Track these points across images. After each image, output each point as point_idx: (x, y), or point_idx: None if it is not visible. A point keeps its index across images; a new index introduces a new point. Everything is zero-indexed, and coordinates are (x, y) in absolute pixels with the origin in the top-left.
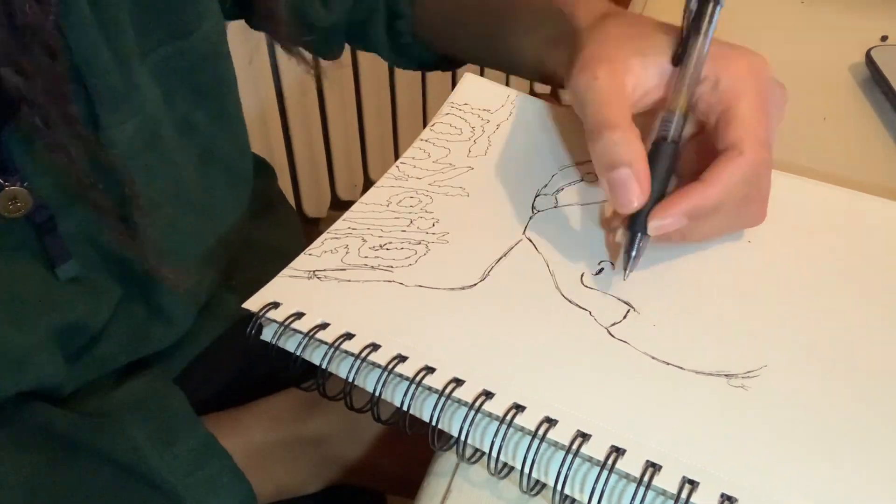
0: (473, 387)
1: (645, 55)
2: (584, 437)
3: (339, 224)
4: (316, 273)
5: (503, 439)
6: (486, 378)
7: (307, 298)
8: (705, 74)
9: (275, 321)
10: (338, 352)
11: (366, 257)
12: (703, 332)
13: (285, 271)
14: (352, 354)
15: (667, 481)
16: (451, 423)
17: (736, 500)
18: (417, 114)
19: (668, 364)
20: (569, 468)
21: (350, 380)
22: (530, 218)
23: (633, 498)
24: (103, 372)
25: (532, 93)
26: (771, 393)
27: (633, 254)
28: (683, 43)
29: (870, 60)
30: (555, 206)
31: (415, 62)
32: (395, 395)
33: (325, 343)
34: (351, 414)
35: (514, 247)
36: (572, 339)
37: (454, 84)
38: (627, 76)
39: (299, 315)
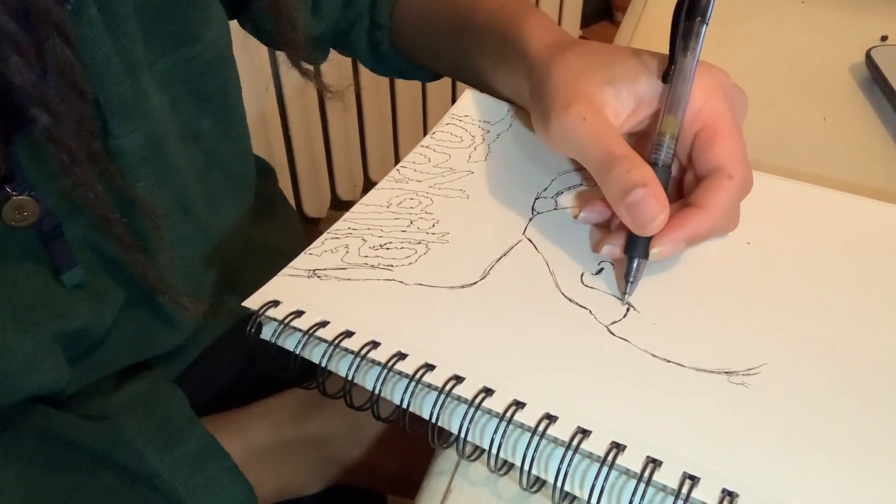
0: (473, 384)
1: (615, 85)
2: (585, 433)
3: (340, 224)
4: (316, 272)
5: (503, 436)
6: (487, 375)
7: (307, 297)
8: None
9: (274, 319)
10: (337, 350)
11: (366, 256)
12: (703, 330)
13: (285, 270)
14: (351, 352)
15: (667, 477)
16: (451, 421)
17: (737, 495)
18: (417, 113)
19: (668, 362)
20: (569, 465)
21: (350, 378)
22: (530, 219)
23: (634, 494)
24: (105, 374)
25: None
26: (771, 390)
27: (631, 279)
28: (670, 63)
29: (870, 60)
30: (554, 209)
31: (393, 70)
32: (394, 393)
33: (325, 341)
34: (351, 414)
35: (514, 246)
36: (572, 337)
37: (454, 84)
38: (608, 110)
39: (299, 313)
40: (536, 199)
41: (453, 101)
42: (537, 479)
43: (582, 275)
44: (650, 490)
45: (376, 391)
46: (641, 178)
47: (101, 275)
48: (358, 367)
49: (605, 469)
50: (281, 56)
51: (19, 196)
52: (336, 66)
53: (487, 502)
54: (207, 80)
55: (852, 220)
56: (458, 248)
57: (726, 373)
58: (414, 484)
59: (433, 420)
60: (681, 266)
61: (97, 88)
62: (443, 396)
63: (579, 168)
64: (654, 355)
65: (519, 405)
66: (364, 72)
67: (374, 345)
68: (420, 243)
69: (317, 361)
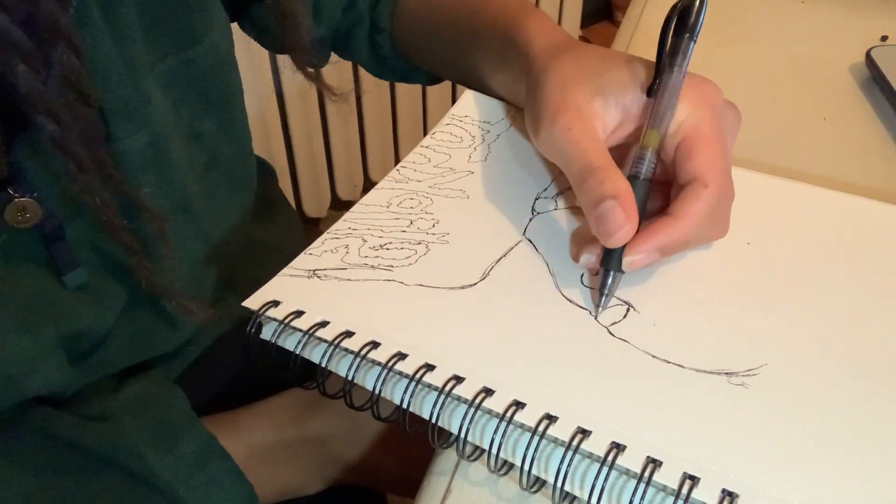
0: (474, 384)
1: (605, 95)
2: (585, 433)
3: (340, 224)
4: (316, 272)
5: (503, 436)
6: (487, 375)
7: (307, 297)
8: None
9: (274, 319)
10: (337, 350)
11: (366, 257)
12: (703, 330)
13: (285, 270)
14: (351, 352)
15: (667, 477)
16: (451, 421)
17: (737, 495)
18: (417, 113)
19: (668, 362)
20: (569, 465)
21: (350, 378)
22: (530, 220)
23: (634, 494)
24: (106, 374)
25: None
26: (771, 391)
27: (606, 292)
28: (657, 77)
29: (870, 60)
30: (554, 209)
31: (394, 74)
32: (394, 393)
33: (325, 341)
34: (352, 414)
35: (513, 247)
36: (572, 338)
37: (454, 84)
38: (596, 121)
39: (299, 313)
40: (536, 199)
41: (453, 101)
42: (537, 479)
43: (582, 276)
44: (650, 490)
45: (376, 391)
46: (613, 190)
47: (102, 276)
48: (358, 367)
49: (605, 469)
50: (282, 58)
51: (21, 198)
52: (337, 70)
53: (487, 502)
54: (209, 81)
55: (852, 220)
56: (458, 249)
57: (726, 373)
58: (414, 484)
59: (433, 420)
60: (681, 267)
61: (99, 90)
62: (443, 396)
63: (560, 174)
64: (653, 356)
65: (519, 405)
66: (365, 73)
67: (375, 345)
68: (420, 244)
69: (317, 361)
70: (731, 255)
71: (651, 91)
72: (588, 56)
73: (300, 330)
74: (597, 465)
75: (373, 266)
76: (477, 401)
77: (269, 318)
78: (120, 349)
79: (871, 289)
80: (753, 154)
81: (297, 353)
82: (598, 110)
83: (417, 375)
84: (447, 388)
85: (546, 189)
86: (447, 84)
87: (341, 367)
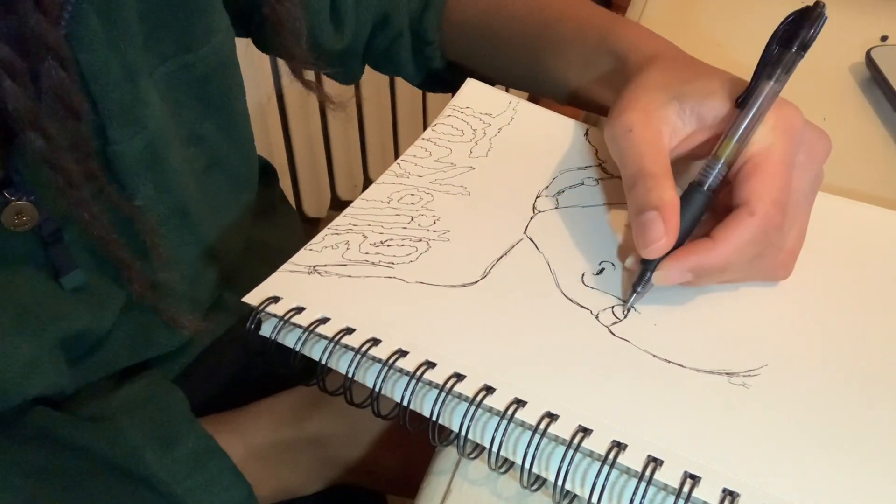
0: (474, 382)
1: (682, 101)
2: (586, 432)
3: (340, 220)
4: (316, 268)
5: (504, 434)
6: (488, 373)
7: (307, 293)
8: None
9: (275, 316)
10: (338, 347)
11: (366, 253)
12: (704, 331)
13: (285, 266)
14: (352, 349)
15: (669, 476)
16: (452, 419)
17: (738, 495)
18: (417, 113)
19: (669, 362)
20: (570, 463)
21: (350, 375)
22: (531, 218)
23: (635, 493)
24: (105, 375)
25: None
26: (771, 391)
27: (640, 290)
28: (750, 88)
29: (870, 60)
30: (556, 208)
31: (444, 86)
32: (395, 391)
33: (325, 338)
34: (351, 414)
35: (514, 245)
36: (573, 337)
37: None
38: (663, 125)
39: (299, 310)
40: (538, 197)
41: None
42: (538, 477)
43: (583, 275)
44: (651, 489)
45: (377, 388)
46: (657, 201)
47: (100, 277)
48: (358, 364)
49: (606, 468)
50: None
51: (18, 201)
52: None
53: (487, 501)
54: (210, 84)
55: (851, 224)
56: (458, 247)
57: (727, 374)
58: (414, 484)
59: (434, 418)
60: None
61: (95, 95)
62: (444, 394)
63: (581, 167)
64: (654, 356)
65: (520, 403)
66: (364, 80)
67: (375, 342)
68: (421, 241)
69: (317, 358)
70: None
71: (741, 101)
72: (680, 64)
73: (300, 326)
74: (597, 464)
75: (373, 263)
76: (478, 399)
77: (269, 314)
78: (119, 349)
79: (871, 290)
80: None
81: (297, 349)
82: (670, 116)
83: (418, 373)
84: (448, 385)
85: (547, 187)
86: None
87: (341, 364)
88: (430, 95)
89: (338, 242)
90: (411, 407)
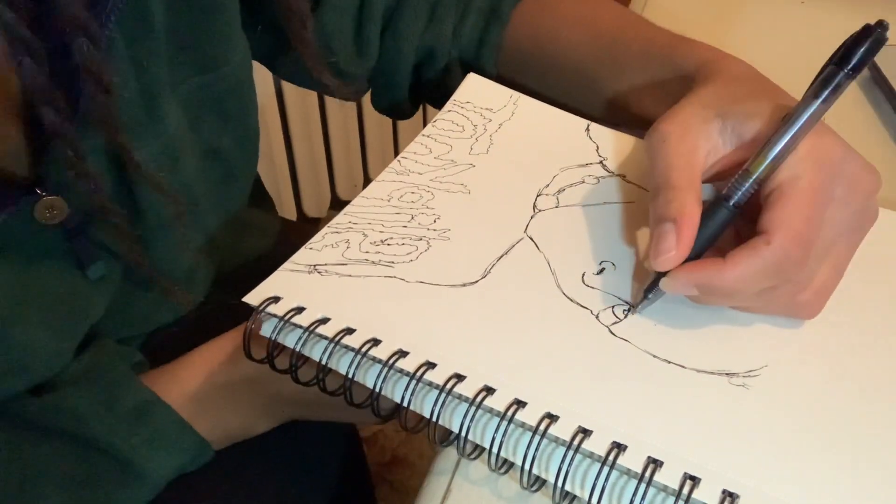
0: (474, 382)
1: (725, 119)
2: (586, 432)
3: (340, 218)
4: (316, 267)
5: (504, 435)
6: (488, 374)
7: (308, 293)
8: None
9: (275, 316)
10: (338, 347)
11: (367, 252)
12: (704, 331)
13: (286, 265)
14: (352, 349)
15: (668, 477)
16: (452, 419)
17: (738, 496)
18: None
19: (669, 362)
20: (570, 464)
21: (350, 375)
22: (532, 217)
23: (635, 494)
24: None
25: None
26: (772, 392)
27: (651, 296)
28: (798, 106)
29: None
30: (556, 207)
31: None
32: (395, 391)
33: (326, 338)
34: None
35: (515, 245)
36: (574, 337)
37: None
38: (701, 140)
39: (299, 310)
40: (538, 195)
41: None
42: (538, 478)
43: (583, 274)
44: (651, 490)
45: (377, 389)
46: (675, 213)
47: (116, 268)
48: (359, 364)
49: (605, 469)
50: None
51: (50, 196)
52: None
53: (488, 502)
54: (228, 102)
55: None
56: (459, 246)
57: (727, 374)
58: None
59: (434, 418)
60: None
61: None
62: (444, 395)
63: (582, 164)
64: (654, 356)
65: (520, 404)
66: None
67: (376, 342)
68: (421, 240)
69: (317, 359)
70: None
71: (784, 120)
72: (741, 82)
73: (300, 327)
74: (597, 465)
75: (373, 262)
76: (478, 399)
77: (270, 314)
78: (119, 326)
79: (871, 291)
80: None
81: (297, 350)
82: (712, 133)
83: (418, 373)
84: (448, 386)
85: (548, 186)
86: None
87: (342, 364)
88: None
89: (338, 241)
90: (411, 407)
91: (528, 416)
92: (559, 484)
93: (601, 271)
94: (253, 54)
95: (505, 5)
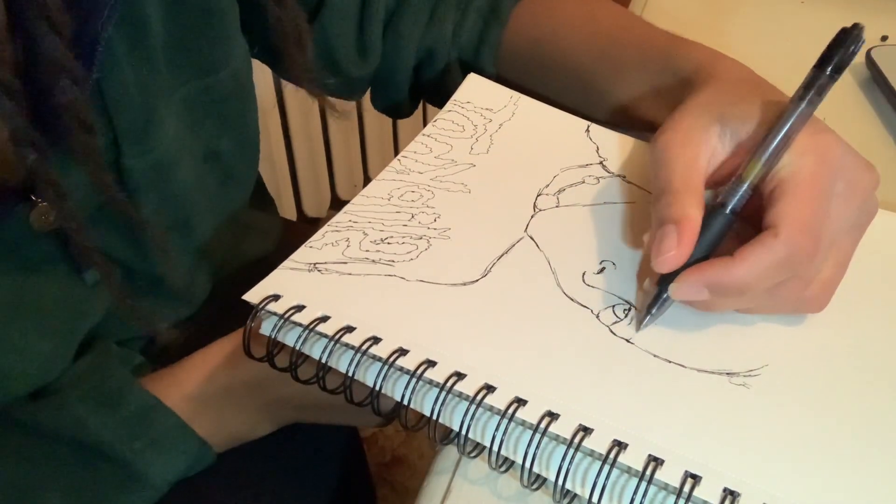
0: (475, 380)
1: (723, 124)
2: (586, 431)
3: (341, 217)
4: (317, 266)
5: (504, 433)
6: (488, 372)
7: (308, 291)
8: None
9: (274, 314)
10: (338, 345)
11: (367, 251)
12: (704, 331)
13: (286, 263)
14: (352, 348)
15: (669, 475)
16: (452, 418)
17: (738, 494)
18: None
19: (669, 362)
20: (570, 462)
21: (350, 374)
22: (532, 216)
23: (635, 492)
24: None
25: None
26: (772, 391)
27: (654, 311)
28: (784, 110)
29: (870, 61)
30: (556, 206)
31: None
32: (395, 390)
33: (326, 336)
34: None
35: (515, 244)
36: (574, 336)
37: None
38: (702, 146)
39: (299, 308)
40: (538, 195)
41: None
42: (538, 476)
43: (584, 274)
44: (651, 489)
45: (377, 387)
46: (676, 215)
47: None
48: (359, 362)
49: (606, 467)
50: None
51: (45, 203)
52: None
53: (488, 501)
54: (227, 104)
55: None
56: (459, 245)
57: (727, 373)
58: (366, 413)
59: (434, 417)
60: None
61: (111, 113)
62: (444, 393)
63: (582, 165)
64: (655, 355)
65: (521, 402)
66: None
67: (376, 340)
68: (421, 238)
69: (317, 357)
70: None
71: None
72: (738, 85)
73: (300, 325)
74: (598, 463)
75: (374, 260)
76: (478, 397)
77: (270, 312)
78: (119, 328)
79: (871, 290)
80: None
81: (297, 348)
82: (711, 138)
83: (419, 371)
84: (448, 384)
85: (548, 185)
86: None
87: (342, 363)
88: None
89: (338, 240)
90: (412, 406)
91: (529, 414)
92: (560, 482)
93: (601, 271)
94: (253, 54)
95: (504, 6)
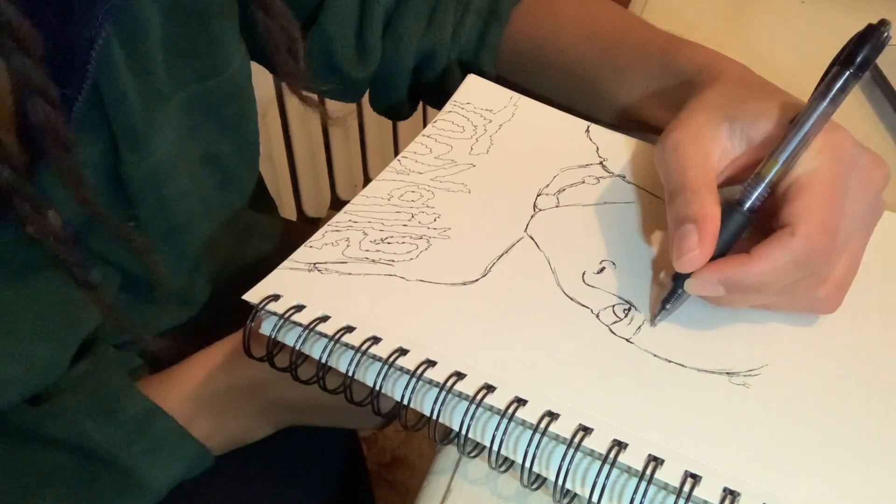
0: (475, 380)
1: (733, 122)
2: (586, 430)
3: (341, 216)
4: (317, 265)
5: (504, 433)
6: (488, 372)
7: (307, 291)
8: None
9: (274, 314)
10: (338, 345)
11: (367, 251)
12: (704, 330)
13: (286, 263)
14: (352, 348)
15: (669, 475)
16: (453, 417)
17: (738, 494)
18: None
19: (669, 361)
20: (570, 462)
21: (350, 373)
22: (532, 216)
23: (635, 492)
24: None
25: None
26: (772, 391)
27: (668, 306)
28: (806, 107)
29: None
30: (556, 206)
31: None
32: (395, 389)
33: (326, 336)
34: None
35: (515, 244)
36: (574, 336)
37: None
38: (712, 144)
39: (299, 308)
40: (538, 195)
41: None
42: (538, 476)
43: (583, 274)
44: (651, 488)
45: (377, 387)
46: (696, 213)
47: (110, 275)
48: (359, 362)
49: (606, 467)
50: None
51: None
52: None
53: (488, 501)
54: (226, 107)
55: None
56: (459, 245)
57: (727, 373)
58: (365, 415)
59: (434, 416)
60: None
61: (110, 118)
62: (444, 393)
63: (582, 165)
64: (655, 355)
65: (521, 402)
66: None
67: (375, 340)
68: (421, 238)
69: (317, 357)
70: None
71: (793, 122)
72: (743, 84)
73: (300, 325)
74: (598, 463)
75: (374, 260)
76: (478, 397)
77: (269, 312)
78: (118, 331)
79: (871, 290)
80: None
81: (297, 348)
82: (721, 136)
83: (419, 371)
84: (448, 384)
85: (548, 185)
86: None
87: (341, 362)
88: None
89: (338, 239)
90: (411, 405)
91: (529, 413)
92: (560, 482)
93: (601, 271)
94: (252, 56)
95: (504, 6)
